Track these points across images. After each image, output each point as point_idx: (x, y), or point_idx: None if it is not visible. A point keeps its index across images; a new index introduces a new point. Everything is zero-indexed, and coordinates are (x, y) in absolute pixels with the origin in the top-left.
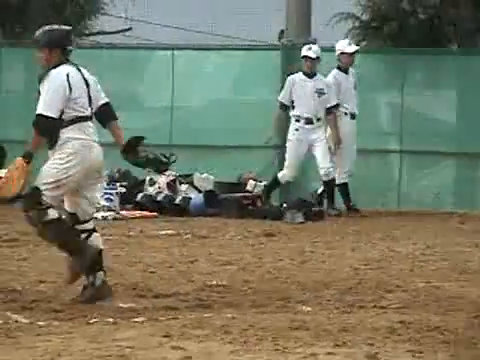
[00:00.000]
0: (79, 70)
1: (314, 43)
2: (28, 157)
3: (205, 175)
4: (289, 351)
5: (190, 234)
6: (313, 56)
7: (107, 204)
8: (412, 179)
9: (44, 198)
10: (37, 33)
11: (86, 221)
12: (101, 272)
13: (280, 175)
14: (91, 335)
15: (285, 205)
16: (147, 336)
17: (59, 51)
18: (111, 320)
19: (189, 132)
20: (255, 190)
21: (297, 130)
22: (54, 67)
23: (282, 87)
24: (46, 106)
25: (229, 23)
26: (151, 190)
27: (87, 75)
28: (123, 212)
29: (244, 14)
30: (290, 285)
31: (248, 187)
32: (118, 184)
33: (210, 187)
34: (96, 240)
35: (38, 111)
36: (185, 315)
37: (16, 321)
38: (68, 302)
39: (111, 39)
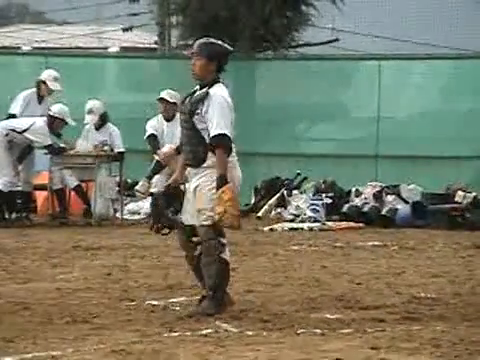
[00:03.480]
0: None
1: None
2: (226, 180)
3: (412, 186)
4: None
5: (397, 245)
6: None
7: (313, 215)
8: None
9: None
10: (200, 42)
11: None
12: None
13: None
14: (299, 346)
15: None
16: (355, 348)
17: (215, 66)
18: (319, 331)
19: (396, 142)
20: (464, 201)
21: None
22: (211, 85)
23: None
24: (225, 126)
25: (435, 31)
26: (357, 201)
27: None
28: (329, 223)
29: (451, 22)
30: None
31: (457, 198)
32: (324, 195)
33: (417, 198)
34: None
35: (220, 131)
36: (393, 327)
37: (226, 330)
38: (276, 312)
39: (318, 50)
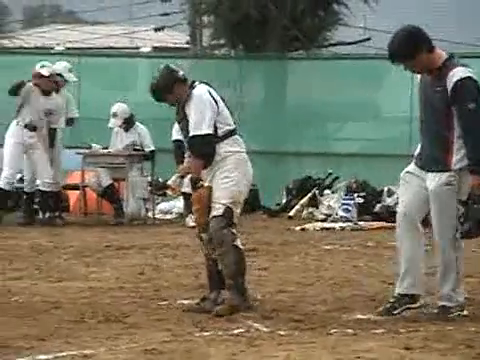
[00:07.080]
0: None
1: None
2: (199, 182)
3: None
4: None
5: (429, 245)
6: None
7: (345, 215)
8: None
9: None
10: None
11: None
12: (224, 291)
13: None
14: (331, 346)
15: None
16: (387, 348)
17: (182, 86)
18: (351, 331)
19: None
20: None
21: None
22: (193, 87)
23: None
24: (198, 125)
25: (472, 29)
26: (389, 201)
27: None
28: (361, 223)
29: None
30: None
31: None
32: (356, 195)
33: None
34: None
35: (193, 133)
36: (426, 328)
37: (257, 330)
38: (308, 312)
39: (350, 50)
